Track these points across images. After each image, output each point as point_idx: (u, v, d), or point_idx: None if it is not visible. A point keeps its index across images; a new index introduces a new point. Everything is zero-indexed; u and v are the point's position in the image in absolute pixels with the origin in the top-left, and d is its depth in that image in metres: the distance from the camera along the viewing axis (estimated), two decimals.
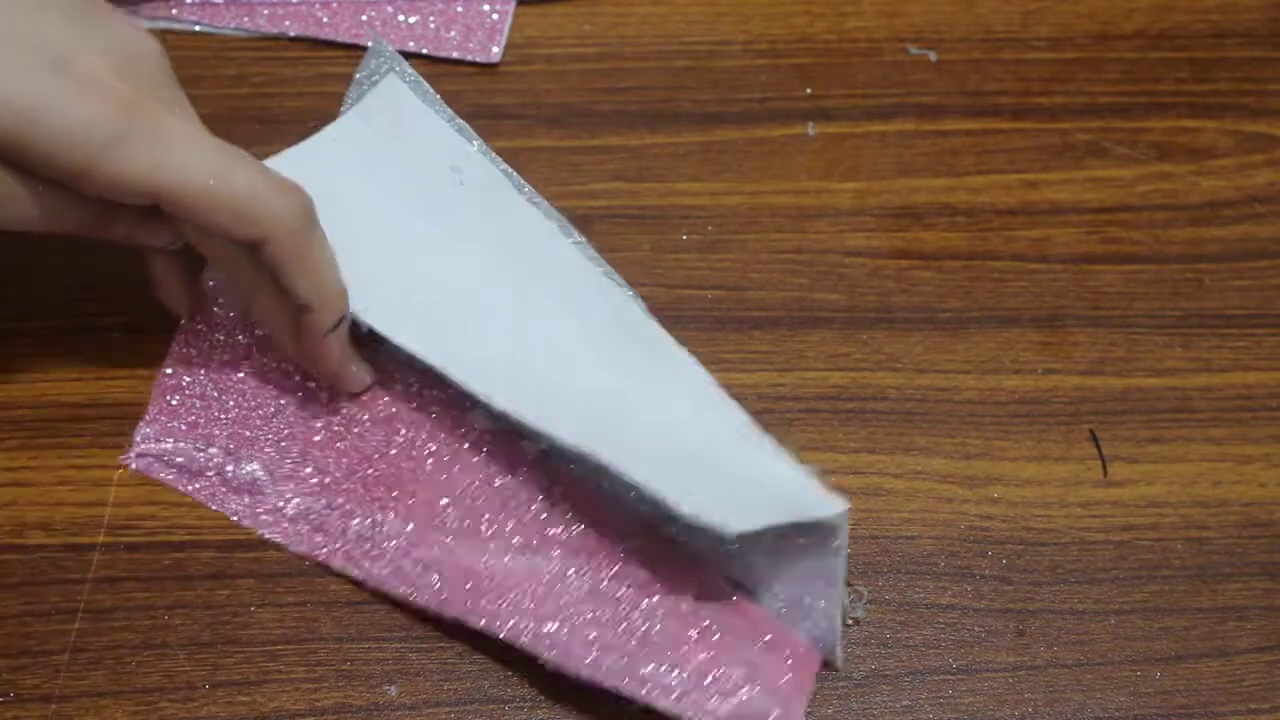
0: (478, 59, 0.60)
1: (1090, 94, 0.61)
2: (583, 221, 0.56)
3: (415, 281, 0.51)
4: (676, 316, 0.54)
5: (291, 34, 0.60)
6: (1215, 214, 0.58)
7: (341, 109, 0.56)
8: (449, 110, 0.55)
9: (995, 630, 0.48)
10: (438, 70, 0.60)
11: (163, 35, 0.60)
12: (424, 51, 0.60)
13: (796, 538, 0.46)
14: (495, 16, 0.61)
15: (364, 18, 0.61)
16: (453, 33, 0.60)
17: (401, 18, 0.61)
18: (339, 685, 0.46)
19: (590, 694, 0.46)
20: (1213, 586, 0.50)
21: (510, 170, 0.54)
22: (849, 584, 0.49)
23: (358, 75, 0.56)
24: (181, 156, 0.44)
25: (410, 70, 0.55)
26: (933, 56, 0.62)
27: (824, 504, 0.45)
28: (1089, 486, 0.51)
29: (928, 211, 0.58)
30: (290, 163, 0.52)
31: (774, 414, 0.52)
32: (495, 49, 0.60)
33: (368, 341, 0.51)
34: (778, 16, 0.63)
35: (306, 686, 0.46)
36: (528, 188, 0.53)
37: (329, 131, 0.54)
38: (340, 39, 0.60)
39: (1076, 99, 0.61)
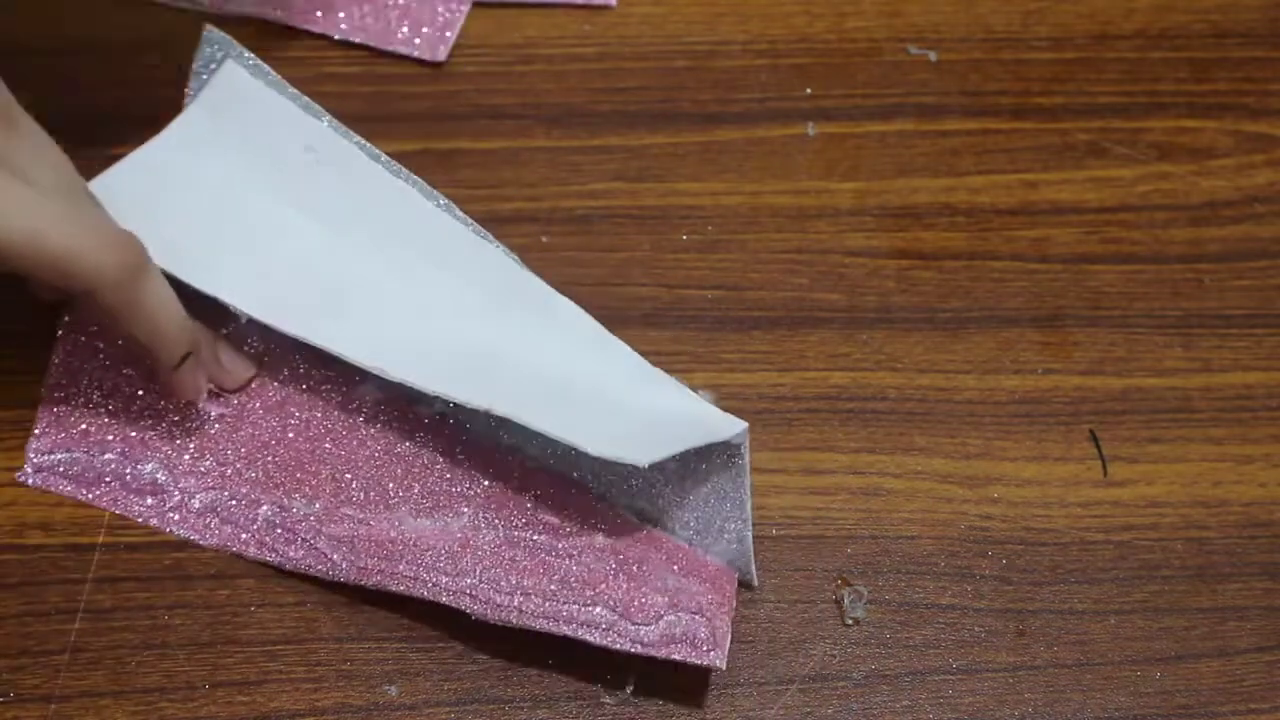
0: (424, 56, 0.60)
1: (1090, 94, 0.61)
2: (582, 221, 0.56)
3: (287, 264, 0.51)
4: (677, 316, 0.54)
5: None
6: (1215, 214, 0.58)
7: (185, 102, 0.54)
8: (293, 89, 0.54)
9: (995, 630, 0.48)
10: (438, 70, 0.60)
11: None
12: (370, 44, 0.60)
13: (700, 464, 0.47)
14: (445, 16, 0.61)
15: (318, 14, 0.61)
16: (404, 28, 0.60)
17: (355, 11, 0.61)
18: (339, 685, 0.46)
19: (591, 694, 0.46)
20: (1213, 586, 0.50)
21: (364, 142, 0.53)
22: (849, 583, 0.49)
23: (195, 66, 0.55)
24: None
25: (247, 54, 0.54)
26: (933, 56, 0.62)
27: (725, 426, 0.46)
28: (1089, 486, 0.51)
29: (928, 211, 0.58)
30: (138, 165, 0.52)
31: (774, 414, 0.52)
32: (443, 49, 0.60)
33: (252, 331, 0.51)
34: (778, 16, 0.63)
35: (306, 686, 0.46)
36: (384, 157, 0.53)
37: (175, 127, 0.53)
38: (293, 24, 0.60)
39: (1076, 99, 0.61)
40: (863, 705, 0.47)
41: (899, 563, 0.50)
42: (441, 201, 0.52)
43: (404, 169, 0.52)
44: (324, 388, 0.51)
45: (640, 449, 0.46)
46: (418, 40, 0.60)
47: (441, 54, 0.60)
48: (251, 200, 0.52)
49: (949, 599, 0.49)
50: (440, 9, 0.61)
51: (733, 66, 0.61)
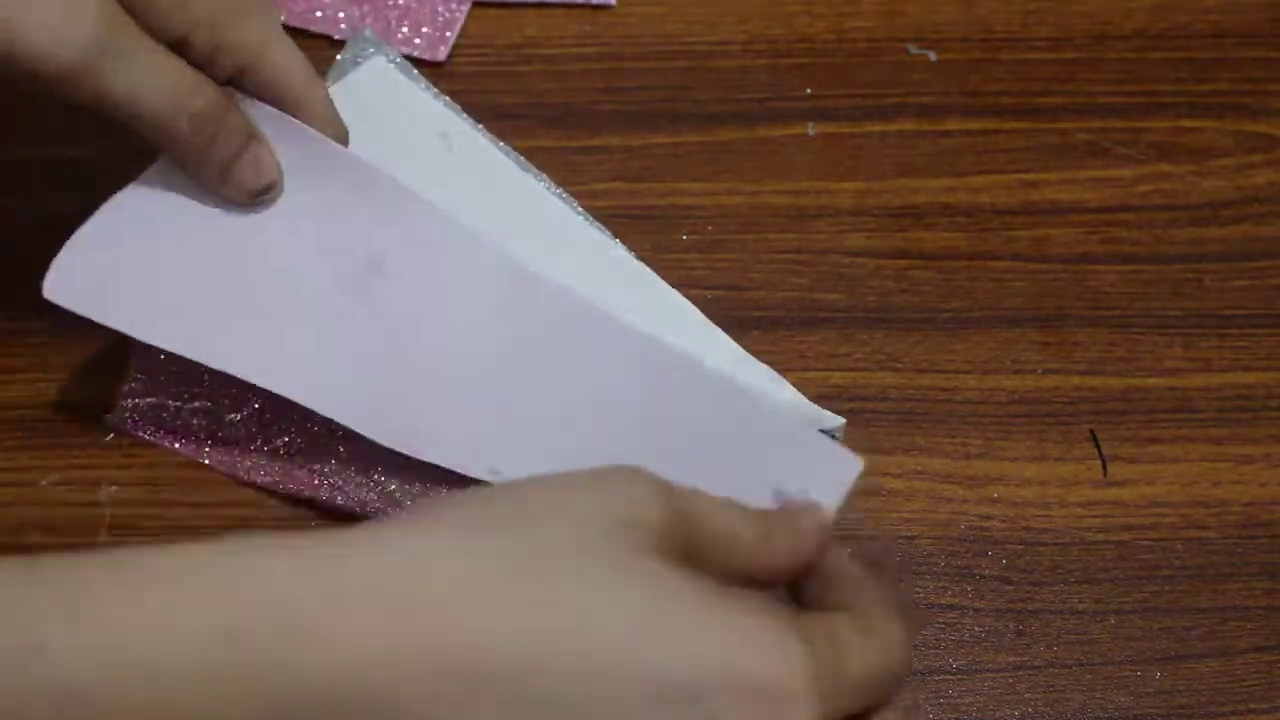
0: (424, 56, 0.60)
1: (1090, 94, 0.61)
2: None
3: None
4: None
5: None
6: (1215, 214, 0.58)
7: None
8: (436, 89, 0.56)
9: (995, 630, 0.48)
10: (437, 71, 0.60)
11: None
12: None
13: None
14: (445, 15, 0.61)
15: (318, 14, 0.60)
16: (405, 28, 0.60)
17: (354, 11, 0.61)
18: None
19: None
20: (1213, 586, 0.50)
21: (496, 139, 0.55)
22: None
23: (340, 57, 0.57)
24: None
25: (395, 53, 0.56)
26: (933, 56, 0.62)
27: (823, 417, 0.50)
28: (1089, 486, 0.51)
29: (928, 211, 0.58)
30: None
31: None
32: (443, 49, 0.60)
33: None
34: (778, 16, 0.63)
35: None
36: (512, 151, 0.55)
37: None
38: (293, 24, 0.60)
39: (1076, 99, 0.61)
40: None
41: (899, 563, 0.50)
42: (563, 195, 0.55)
43: (531, 165, 0.56)
44: None
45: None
46: (418, 40, 0.60)
47: (441, 54, 0.60)
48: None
49: (949, 599, 0.49)
50: (440, 9, 0.61)
51: (733, 66, 0.61)
